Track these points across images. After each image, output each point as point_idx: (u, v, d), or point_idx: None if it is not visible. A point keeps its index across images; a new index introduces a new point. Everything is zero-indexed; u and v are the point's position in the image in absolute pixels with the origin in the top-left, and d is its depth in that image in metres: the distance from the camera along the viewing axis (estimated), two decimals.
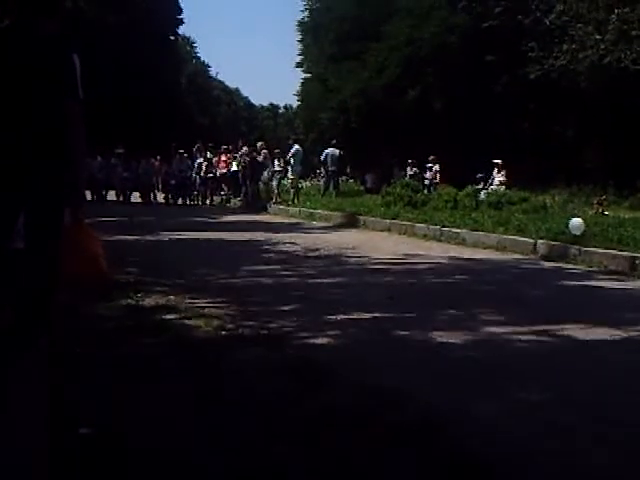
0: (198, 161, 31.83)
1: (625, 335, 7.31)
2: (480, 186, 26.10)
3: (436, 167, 32.77)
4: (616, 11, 33.38)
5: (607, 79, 34.25)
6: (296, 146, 30.75)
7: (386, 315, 8.08)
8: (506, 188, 25.98)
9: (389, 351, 6.59)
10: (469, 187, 24.35)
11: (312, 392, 5.16)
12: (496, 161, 28.43)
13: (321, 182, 34.46)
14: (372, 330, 7.35)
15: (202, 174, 31.31)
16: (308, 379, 5.42)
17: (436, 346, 6.75)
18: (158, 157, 33.80)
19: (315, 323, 7.52)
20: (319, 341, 6.77)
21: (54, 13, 4.21)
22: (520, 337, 7.05)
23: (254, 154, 29.61)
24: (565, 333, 7.29)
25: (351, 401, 4.99)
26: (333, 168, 31.50)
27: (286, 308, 8.33)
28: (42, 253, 3.93)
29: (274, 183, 29.49)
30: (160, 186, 33.08)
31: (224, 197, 31.73)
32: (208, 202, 31.91)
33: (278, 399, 5.04)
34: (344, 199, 27.29)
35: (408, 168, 33.70)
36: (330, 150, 31.57)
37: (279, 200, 28.56)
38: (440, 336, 7.08)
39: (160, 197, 32.42)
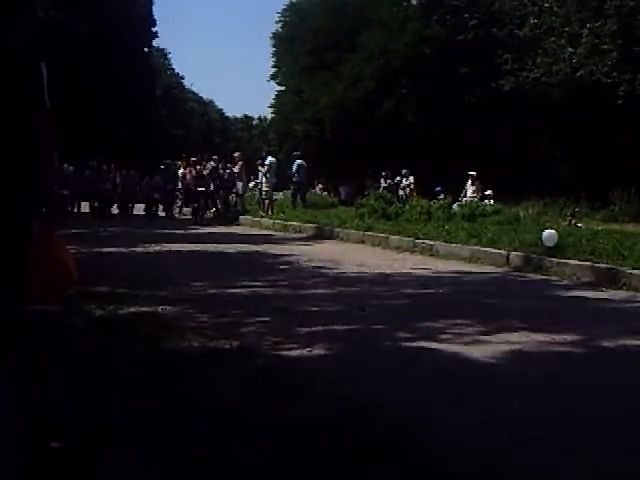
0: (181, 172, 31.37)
1: (599, 347, 7.30)
2: (442, 198, 26.03)
3: (410, 179, 32.80)
4: (588, 25, 33.67)
5: (580, 92, 34.46)
6: (270, 158, 30.69)
7: (359, 327, 8.05)
8: (481, 199, 26.03)
9: (362, 363, 6.55)
10: (443, 199, 24.38)
11: (281, 403, 5.13)
12: (471, 173, 28.48)
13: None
14: (345, 341, 7.31)
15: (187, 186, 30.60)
16: (278, 390, 5.39)
17: (409, 358, 6.74)
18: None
19: (289, 334, 7.48)
20: (292, 353, 6.75)
21: (20, 22, 4.12)
22: (493, 348, 7.03)
23: (221, 166, 29.43)
24: (539, 343, 7.28)
25: (320, 412, 4.94)
26: (299, 179, 31.26)
27: (261, 319, 8.29)
28: (8, 267, 3.82)
29: (263, 195, 29.54)
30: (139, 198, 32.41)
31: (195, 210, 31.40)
32: (180, 214, 31.72)
33: (246, 410, 5.00)
34: (318, 211, 27.20)
35: (382, 180, 33.71)
36: (299, 162, 31.44)
37: (269, 212, 28.37)
38: (413, 347, 7.06)
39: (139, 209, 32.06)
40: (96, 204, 30.38)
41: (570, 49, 34.55)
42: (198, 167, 29.62)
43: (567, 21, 35.12)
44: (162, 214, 31.30)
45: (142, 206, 31.31)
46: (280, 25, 53.25)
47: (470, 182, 28.30)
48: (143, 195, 31.09)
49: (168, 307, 8.76)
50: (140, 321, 7.85)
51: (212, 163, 29.78)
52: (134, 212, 31.60)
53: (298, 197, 31.09)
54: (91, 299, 8.77)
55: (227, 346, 6.80)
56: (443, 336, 7.55)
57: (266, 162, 30.05)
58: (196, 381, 5.62)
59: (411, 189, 32.32)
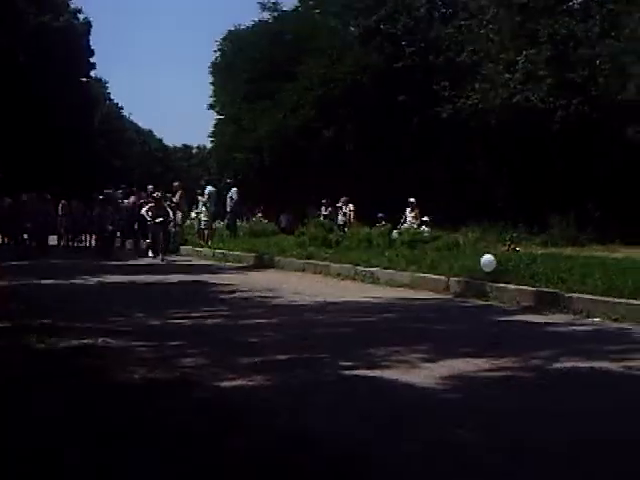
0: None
1: (539, 370, 7.28)
2: (382, 225, 26.09)
3: (350, 206, 32.83)
4: (524, 52, 34.19)
5: (517, 117, 34.87)
6: (209, 187, 30.50)
7: (300, 356, 7.98)
8: (419, 226, 26.13)
9: (302, 392, 6.46)
10: (382, 226, 24.41)
11: (221, 434, 5.08)
12: (411, 200, 28.60)
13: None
14: (286, 371, 7.23)
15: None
16: (218, 422, 5.35)
17: (350, 387, 6.70)
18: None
19: (229, 365, 7.39)
20: (233, 383, 6.69)
21: None
22: (434, 374, 7.00)
23: (154, 196, 28.69)
24: (480, 368, 7.25)
25: (259, 444, 4.88)
26: (231, 208, 31.06)
27: (201, 350, 8.20)
28: None
29: (202, 225, 29.11)
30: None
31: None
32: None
33: (185, 442, 4.92)
34: (258, 239, 27.12)
35: (323, 208, 33.73)
36: (233, 190, 31.25)
37: (209, 242, 27.97)
38: (354, 376, 7.04)
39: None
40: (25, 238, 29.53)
41: (507, 75, 35.02)
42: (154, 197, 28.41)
43: (503, 48, 35.62)
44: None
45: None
46: (219, 54, 53.16)
47: (410, 209, 28.41)
48: (96, 227, 29.35)
49: (110, 339, 8.65)
50: (81, 353, 7.74)
51: (158, 193, 29.09)
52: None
53: (232, 225, 30.95)
54: (30, 331, 8.68)
55: (169, 378, 6.76)
56: (385, 363, 7.53)
57: (205, 191, 29.85)
58: (135, 416, 5.52)
59: (350, 217, 32.35)
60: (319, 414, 5.76)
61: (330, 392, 6.49)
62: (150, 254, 25.04)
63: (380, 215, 29.58)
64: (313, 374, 7.20)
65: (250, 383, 6.71)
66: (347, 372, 7.20)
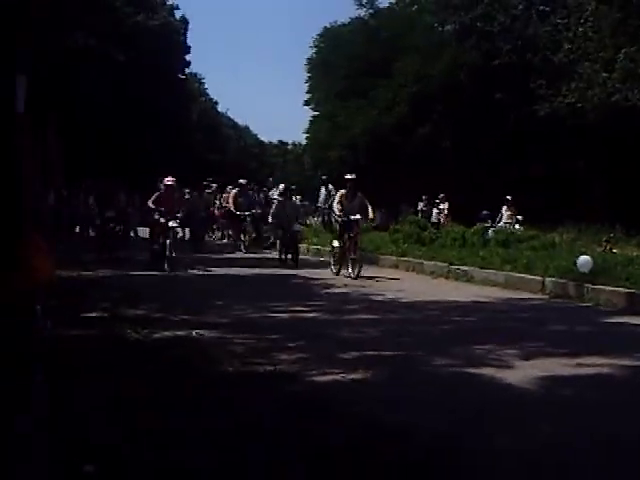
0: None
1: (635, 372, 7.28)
2: (488, 224, 25.94)
3: (445, 205, 32.71)
4: (623, 50, 33.55)
5: (615, 117, 34.27)
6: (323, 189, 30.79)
7: (397, 353, 8.10)
8: (514, 225, 25.92)
9: (400, 389, 6.58)
10: (478, 225, 24.27)
11: (322, 427, 5.19)
12: (507, 197, 28.38)
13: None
14: (381, 368, 7.35)
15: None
16: (318, 415, 5.49)
17: (446, 384, 6.82)
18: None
19: (325, 360, 7.54)
20: (326, 378, 6.83)
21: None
22: (529, 373, 7.07)
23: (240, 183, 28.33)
24: (574, 368, 7.30)
25: (361, 438, 4.99)
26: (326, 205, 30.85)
27: (296, 344, 8.37)
28: None
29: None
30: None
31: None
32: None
33: (287, 434, 5.05)
34: None
35: (421, 203, 33.61)
36: (330, 187, 31.17)
37: None
38: (450, 373, 7.16)
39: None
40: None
41: (605, 74, 34.43)
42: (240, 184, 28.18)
43: (602, 46, 35.02)
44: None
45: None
46: (315, 51, 53.37)
47: (506, 207, 28.19)
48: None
49: (208, 330, 8.88)
50: (172, 345, 7.94)
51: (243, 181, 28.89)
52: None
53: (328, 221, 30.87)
54: (128, 322, 8.91)
55: (267, 371, 6.91)
56: (480, 362, 7.61)
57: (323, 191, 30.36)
58: (238, 408, 5.69)
59: (445, 215, 32.21)
60: (414, 409, 5.87)
61: (427, 389, 6.59)
62: (242, 248, 25.22)
63: (485, 213, 29.21)
64: (408, 370, 7.31)
65: (345, 378, 6.86)
66: (444, 370, 7.29)
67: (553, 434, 5.32)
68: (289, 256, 20.82)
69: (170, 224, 18.68)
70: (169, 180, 19.97)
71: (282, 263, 20.69)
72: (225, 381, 6.52)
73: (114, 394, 5.84)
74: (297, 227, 21.63)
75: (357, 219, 17.70)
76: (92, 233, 27.55)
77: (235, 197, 26.02)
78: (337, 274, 17.49)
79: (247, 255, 23.55)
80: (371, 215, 18.70)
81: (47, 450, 4.12)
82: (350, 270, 17.02)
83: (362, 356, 7.81)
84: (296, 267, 19.67)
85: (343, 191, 18.77)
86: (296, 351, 8.02)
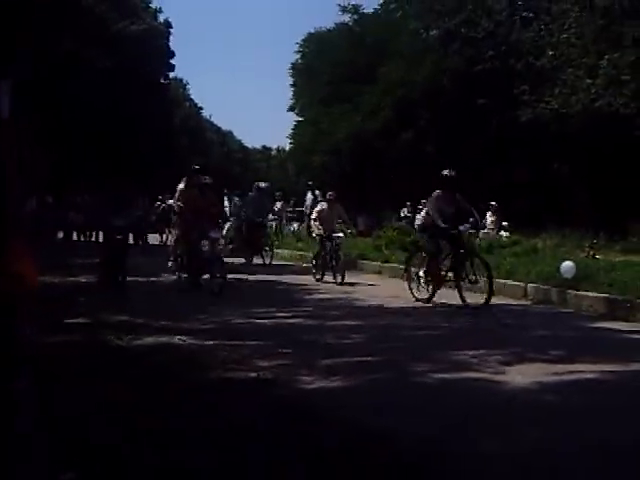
0: None
1: (617, 378, 7.30)
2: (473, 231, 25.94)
3: (425, 211, 32.69)
4: (606, 56, 33.70)
5: (598, 123, 34.41)
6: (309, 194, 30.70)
7: (380, 358, 8.12)
8: (498, 231, 25.98)
9: (384, 394, 6.60)
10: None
11: (315, 430, 5.25)
12: (492, 203, 28.47)
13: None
14: (364, 374, 7.37)
15: None
16: (308, 419, 5.54)
17: (430, 389, 6.89)
18: None
19: (309, 366, 7.55)
20: (311, 386, 6.86)
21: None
22: (512, 378, 7.11)
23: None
24: (557, 374, 7.37)
25: (346, 442, 5.01)
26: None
27: (280, 351, 8.37)
28: None
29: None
30: None
31: None
32: None
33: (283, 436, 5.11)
34: None
35: (405, 209, 33.65)
36: (317, 192, 31.07)
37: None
38: (434, 378, 7.24)
39: None
40: None
41: (588, 80, 34.57)
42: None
43: (585, 52, 35.16)
44: None
45: None
46: (299, 56, 53.46)
47: (490, 213, 28.27)
48: None
49: (192, 337, 8.87)
50: (155, 352, 7.93)
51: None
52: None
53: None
54: (110, 329, 8.90)
55: (251, 377, 6.94)
56: (464, 367, 7.67)
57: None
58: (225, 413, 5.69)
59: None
60: (399, 414, 5.90)
61: (410, 394, 6.63)
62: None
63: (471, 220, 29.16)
64: (392, 376, 7.33)
65: (329, 384, 6.87)
66: (428, 375, 7.32)
67: (541, 439, 5.33)
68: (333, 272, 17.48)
69: (212, 235, 15.19)
70: (205, 178, 16.45)
71: (317, 277, 17.98)
72: (209, 387, 6.54)
73: (103, 398, 5.87)
74: (339, 234, 18.12)
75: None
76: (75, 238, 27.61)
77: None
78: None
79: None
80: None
81: (47, 450, 4.14)
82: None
83: (346, 362, 7.83)
84: (341, 283, 16.70)
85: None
86: (279, 357, 8.02)
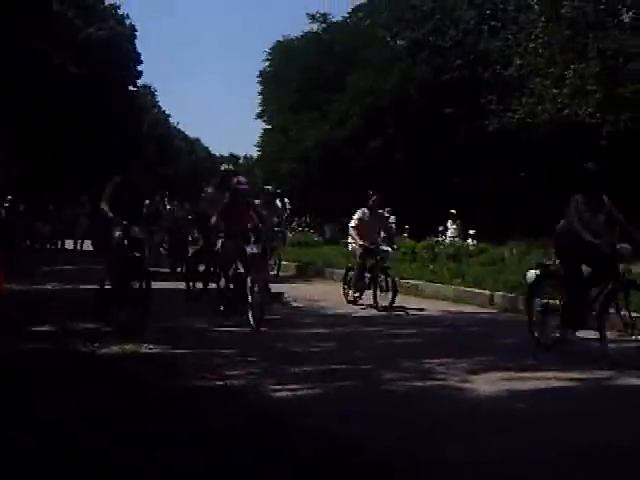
0: None
1: (582, 385, 7.32)
2: (439, 238, 26.07)
3: (392, 218, 32.72)
4: (572, 67, 33.95)
5: (564, 132, 34.67)
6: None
7: (348, 367, 8.10)
8: (464, 239, 26.06)
9: (346, 402, 6.63)
10: (428, 238, 24.36)
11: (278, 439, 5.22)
12: (452, 211, 28.58)
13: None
14: (331, 382, 7.37)
15: None
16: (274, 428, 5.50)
17: (397, 397, 6.86)
18: None
19: (276, 375, 7.56)
20: (278, 394, 6.81)
21: None
22: (479, 387, 7.18)
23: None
24: (523, 381, 7.40)
25: (313, 450, 5.02)
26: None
27: (247, 359, 8.34)
28: None
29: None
30: None
31: None
32: None
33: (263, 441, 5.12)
34: (303, 250, 27.05)
35: None
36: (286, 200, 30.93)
37: None
38: (401, 387, 7.23)
39: None
40: None
41: (555, 90, 34.82)
42: None
43: (552, 62, 35.42)
44: None
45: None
46: (267, 64, 53.43)
47: (451, 221, 28.37)
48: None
49: (158, 345, 8.81)
50: (121, 360, 7.89)
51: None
52: None
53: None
54: (75, 336, 8.84)
55: (220, 386, 6.91)
56: (431, 376, 7.69)
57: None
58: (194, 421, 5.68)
59: (393, 228, 32.19)
60: (367, 422, 5.89)
61: (377, 402, 6.65)
62: None
63: (441, 228, 29.17)
64: (360, 384, 7.33)
65: (296, 393, 6.84)
66: (395, 383, 7.34)
67: (511, 447, 5.33)
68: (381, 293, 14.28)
69: (249, 250, 11.86)
70: (242, 183, 12.86)
71: (351, 299, 14.87)
72: (183, 394, 6.52)
73: (80, 404, 5.84)
74: (386, 247, 15.30)
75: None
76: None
77: None
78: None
79: None
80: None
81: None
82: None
83: (313, 370, 7.80)
84: (389, 307, 13.77)
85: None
86: (247, 366, 7.99)
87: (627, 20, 36.36)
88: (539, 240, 28.87)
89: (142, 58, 61.42)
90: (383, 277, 14.23)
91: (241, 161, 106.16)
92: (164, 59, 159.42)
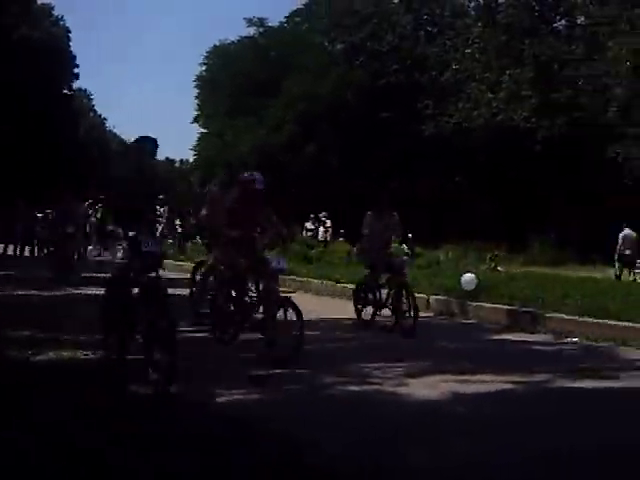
0: None
1: (516, 387, 7.28)
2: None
3: (327, 222, 32.73)
4: (508, 72, 34.33)
5: (499, 137, 35.00)
6: None
7: (285, 372, 7.96)
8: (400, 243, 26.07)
9: (291, 406, 6.56)
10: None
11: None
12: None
13: None
14: (275, 386, 7.32)
15: None
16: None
17: (339, 401, 6.83)
18: None
19: (221, 380, 7.45)
20: (225, 399, 6.72)
21: None
22: (416, 390, 7.11)
23: None
24: (459, 384, 7.37)
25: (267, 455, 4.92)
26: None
27: (190, 365, 8.15)
28: None
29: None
30: None
31: None
32: None
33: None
34: None
35: (308, 223, 33.60)
36: None
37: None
38: (342, 391, 7.16)
39: None
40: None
41: (490, 95, 35.15)
42: None
43: (488, 67, 35.77)
44: None
45: None
46: (204, 68, 53.24)
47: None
48: None
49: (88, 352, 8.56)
50: (57, 367, 7.66)
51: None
52: None
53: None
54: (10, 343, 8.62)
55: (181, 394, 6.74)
56: (373, 380, 7.58)
57: None
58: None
59: (329, 233, 32.26)
60: (319, 427, 5.80)
61: (326, 407, 6.60)
62: None
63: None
64: (305, 389, 7.27)
65: (244, 397, 6.81)
66: (338, 388, 7.28)
67: (472, 452, 5.27)
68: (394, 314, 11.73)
69: (274, 264, 9.24)
70: (258, 182, 10.33)
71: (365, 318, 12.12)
72: (133, 401, 6.44)
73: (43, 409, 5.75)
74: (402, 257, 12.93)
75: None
76: None
77: None
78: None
79: None
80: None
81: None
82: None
83: (257, 375, 7.68)
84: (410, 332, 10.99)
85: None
86: (190, 372, 7.82)
87: (561, 28, 36.93)
88: (474, 243, 29.23)
89: (78, 63, 61.03)
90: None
91: (177, 165, 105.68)
92: (99, 63, 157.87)
